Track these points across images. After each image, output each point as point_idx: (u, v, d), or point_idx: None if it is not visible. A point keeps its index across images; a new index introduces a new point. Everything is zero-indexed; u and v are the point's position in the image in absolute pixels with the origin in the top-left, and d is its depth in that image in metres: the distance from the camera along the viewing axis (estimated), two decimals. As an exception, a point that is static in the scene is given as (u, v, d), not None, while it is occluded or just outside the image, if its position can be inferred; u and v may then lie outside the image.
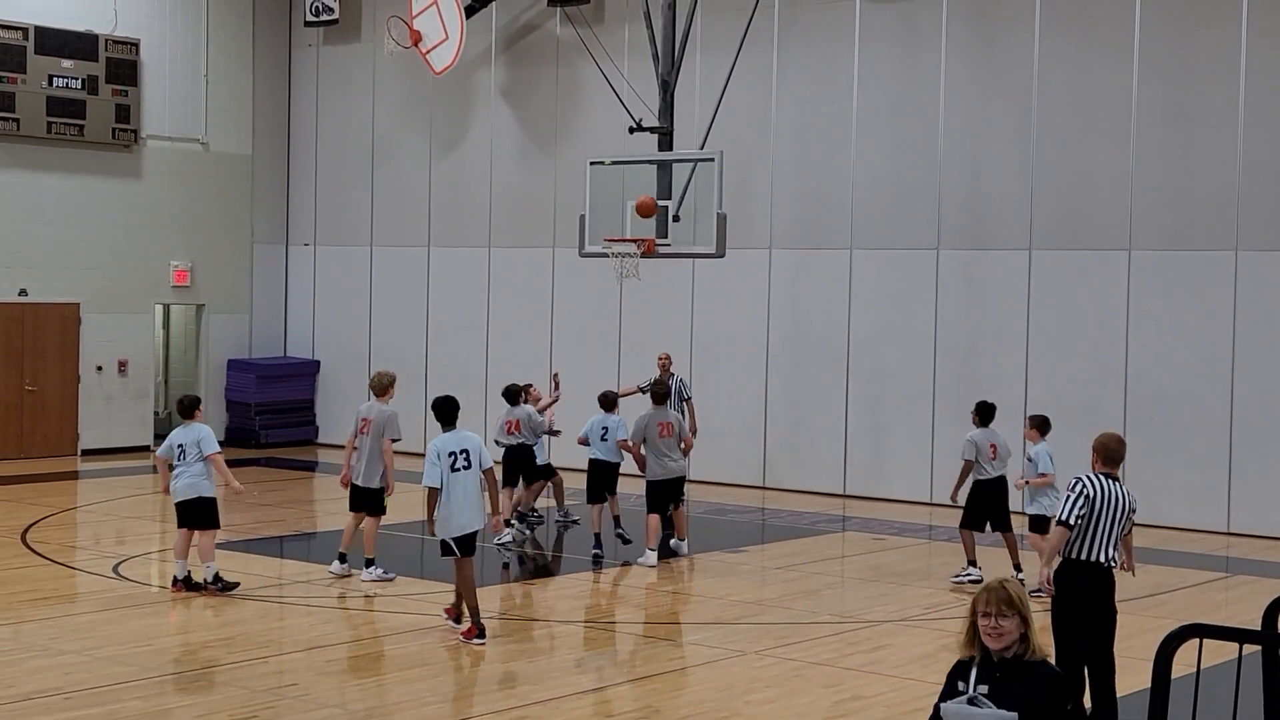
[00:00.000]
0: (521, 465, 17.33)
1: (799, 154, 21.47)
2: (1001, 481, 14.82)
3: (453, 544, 12.18)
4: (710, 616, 13.60)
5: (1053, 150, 19.53)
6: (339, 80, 26.17)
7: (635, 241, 17.34)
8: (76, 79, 23.72)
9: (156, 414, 25.22)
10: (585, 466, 16.97)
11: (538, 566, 16.71)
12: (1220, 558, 17.17)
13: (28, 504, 19.37)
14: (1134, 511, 9.74)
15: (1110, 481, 9.63)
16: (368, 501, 14.68)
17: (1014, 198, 19.81)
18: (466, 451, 12.23)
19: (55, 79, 23.53)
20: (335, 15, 25.56)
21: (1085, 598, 9.52)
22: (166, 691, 10.83)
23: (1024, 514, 14.86)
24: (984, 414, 15.03)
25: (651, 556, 15.94)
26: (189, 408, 14.23)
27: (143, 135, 24.78)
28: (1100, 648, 9.55)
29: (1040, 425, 14.72)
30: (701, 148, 18.40)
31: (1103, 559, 9.51)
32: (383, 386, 14.83)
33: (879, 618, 13.48)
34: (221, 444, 14.92)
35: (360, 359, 25.29)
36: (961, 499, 14.93)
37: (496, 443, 17.15)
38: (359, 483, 14.67)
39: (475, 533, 12.32)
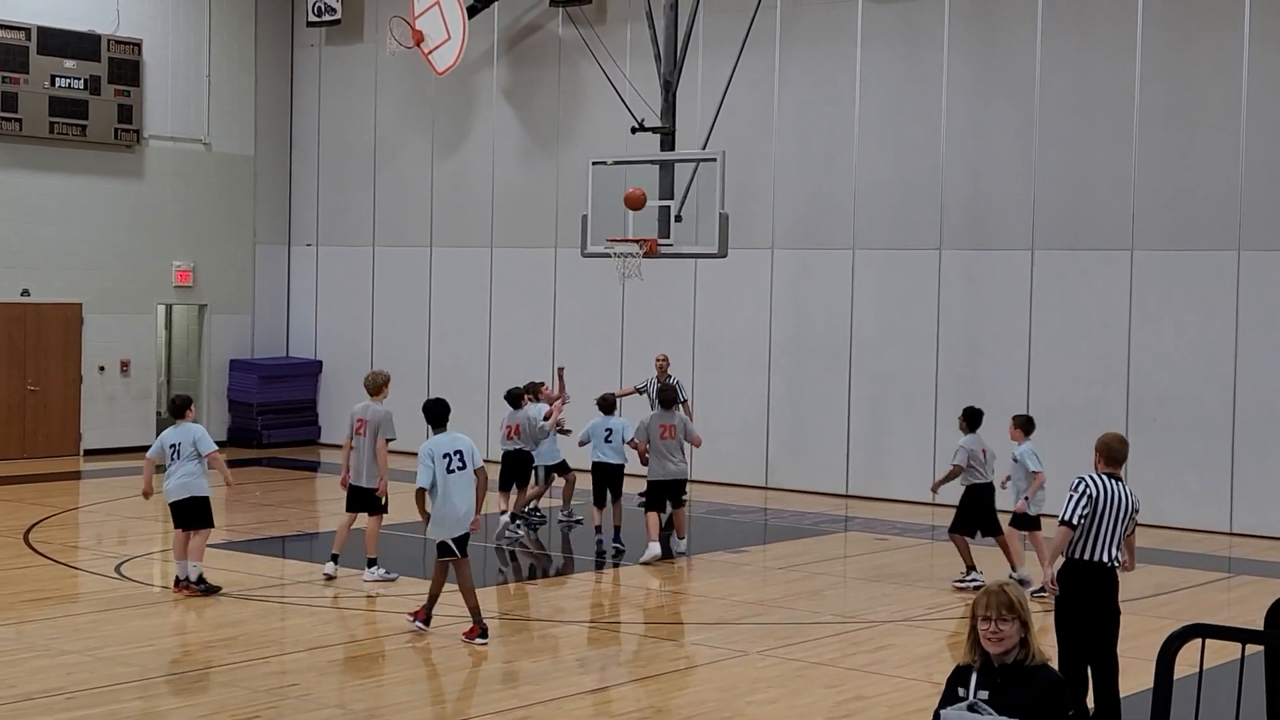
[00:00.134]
0: (519, 471, 17.31)
1: (801, 154, 21.48)
2: (992, 486, 14.82)
3: (453, 545, 12.18)
4: (712, 617, 13.60)
5: (1055, 150, 19.53)
6: (341, 81, 26.18)
7: (637, 242, 17.35)
8: (79, 79, 23.73)
9: (159, 414, 25.18)
10: (589, 468, 16.99)
11: (540, 566, 16.71)
12: (1223, 558, 17.16)
13: (30, 504, 19.38)
14: (1137, 511, 9.73)
15: (1113, 481, 9.62)
16: (365, 501, 14.68)
17: (1016, 198, 19.81)
18: (460, 452, 12.27)
19: (58, 79, 23.55)
20: (337, 16, 25.56)
21: (1088, 598, 9.51)
22: (168, 692, 10.82)
23: (1010, 512, 14.76)
24: (972, 420, 14.95)
25: (655, 547, 16.00)
26: (180, 407, 14.22)
27: (145, 135, 24.78)
28: (1103, 648, 9.54)
29: (1024, 425, 14.62)
30: (703, 148, 18.41)
31: (1106, 559, 9.51)
32: (377, 386, 14.82)
33: (881, 618, 13.48)
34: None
35: (362, 359, 25.28)
36: (942, 495, 14.91)
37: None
38: (356, 483, 14.67)
39: (469, 533, 12.33)
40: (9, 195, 23.49)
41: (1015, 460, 14.47)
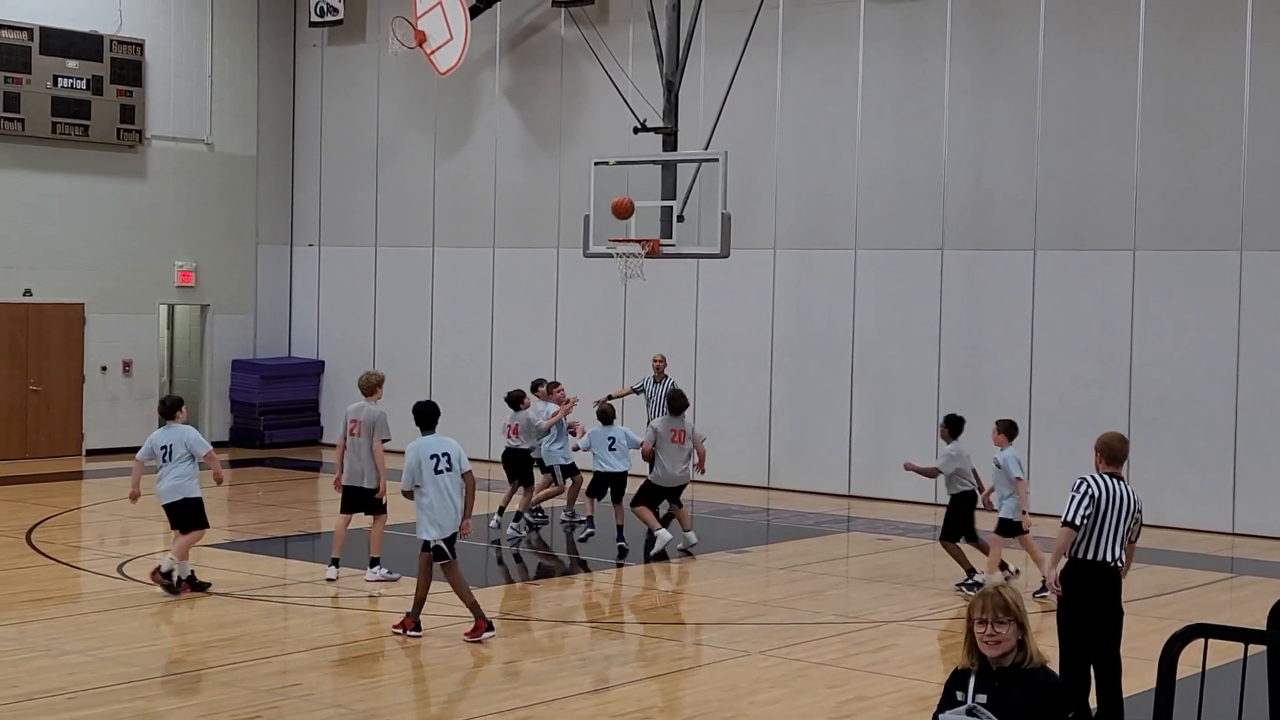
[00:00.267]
0: (518, 468, 17.41)
1: (803, 154, 21.47)
2: (975, 495, 14.79)
3: (445, 546, 12.15)
4: (715, 617, 13.60)
5: (1056, 150, 19.52)
6: (343, 81, 26.18)
7: (639, 242, 17.35)
8: (81, 79, 23.73)
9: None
10: (590, 470, 17.02)
11: (541, 566, 16.71)
12: (1225, 558, 17.15)
13: (32, 504, 19.38)
14: (1140, 513, 9.72)
15: (1114, 481, 9.61)
16: (361, 502, 14.67)
17: (1018, 198, 19.80)
18: (448, 454, 12.28)
19: (60, 79, 23.55)
20: (340, 16, 25.56)
21: (1091, 598, 9.50)
22: (169, 692, 10.82)
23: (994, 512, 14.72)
24: (954, 427, 14.88)
25: (665, 533, 16.16)
26: (171, 408, 14.17)
27: (147, 136, 24.78)
28: (1106, 648, 9.53)
29: (1008, 430, 14.49)
30: (706, 148, 18.40)
31: (1109, 558, 9.50)
32: (370, 386, 14.78)
33: (883, 618, 13.47)
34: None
35: (364, 359, 25.27)
36: (940, 497, 14.89)
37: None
38: (354, 484, 14.64)
39: (458, 535, 12.34)
40: (11, 195, 23.50)
41: (998, 466, 14.30)
